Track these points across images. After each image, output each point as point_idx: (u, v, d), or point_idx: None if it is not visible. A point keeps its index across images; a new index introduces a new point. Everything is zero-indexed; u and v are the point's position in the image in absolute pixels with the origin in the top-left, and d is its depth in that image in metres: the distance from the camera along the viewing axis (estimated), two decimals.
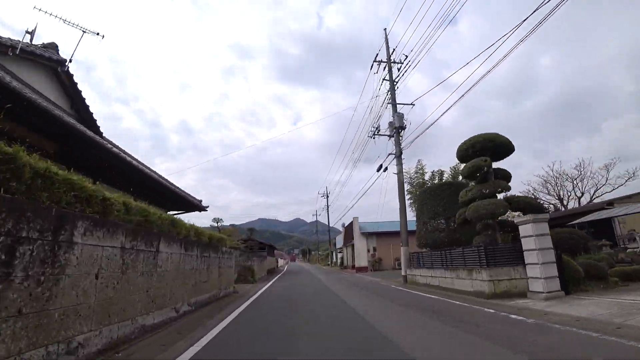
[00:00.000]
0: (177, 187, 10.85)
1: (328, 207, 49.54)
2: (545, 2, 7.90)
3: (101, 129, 10.06)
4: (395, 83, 17.83)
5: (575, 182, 29.83)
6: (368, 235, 29.02)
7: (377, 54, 18.87)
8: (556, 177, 30.72)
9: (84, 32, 10.62)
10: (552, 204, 31.00)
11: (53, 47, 9.44)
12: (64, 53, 9.47)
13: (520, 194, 19.11)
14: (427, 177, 38.86)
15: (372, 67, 19.27)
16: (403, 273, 14.37)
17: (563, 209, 29.41)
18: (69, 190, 3.49)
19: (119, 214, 4.59)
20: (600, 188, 29.14)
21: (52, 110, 5.63)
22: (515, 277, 8.38)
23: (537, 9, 8.23)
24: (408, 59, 16.54)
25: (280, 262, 61.18)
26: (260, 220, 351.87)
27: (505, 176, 10.49)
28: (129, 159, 8.68)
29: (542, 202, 28.84)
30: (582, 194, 29.81)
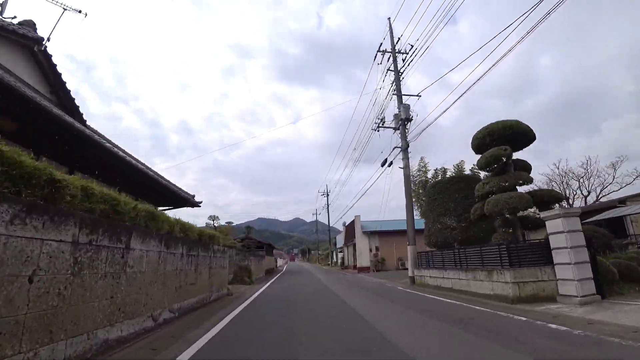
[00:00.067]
0: (164, 179, 9.89)
1: (328, 205, 48.58)
2: None
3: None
4: (400, 74, 16.92)
5: (581, 180, 28.98)
6: (370, 234, 28.06)
7: (381, 44, 17.96)
8: (562, 175, 29.86)
9: (65, 9, 9.69)
10: (559, 203, 30.11)
11: (30, 24, 8.48)
12: (45, 35, 8.51)
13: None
14: (429, 175, 37.91)
15: (375, 57, 18.35)
16: (410, 274, 13.42)
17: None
18: None
19: (75, 201, 3.64)
20: (606, 187, 28.32)
21: (4, 77, 4.68)
22: (542, 278, 7.45)
23: (539, 3, 7.40)
24: (414, 49, 15.62)
25: (280, 261, 60.24)
26: (260, 220, 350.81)
27: (525, 167, 9.56)
28: (108, 145, 7.71)
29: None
30: (589, 192, 28.94)
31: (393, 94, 16.86)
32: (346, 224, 36.14)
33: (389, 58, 17.67)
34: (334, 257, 50.26)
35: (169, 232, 6.24)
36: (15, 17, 8.38)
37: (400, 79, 16.86)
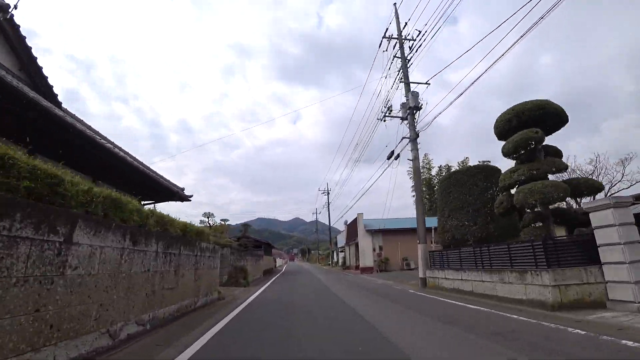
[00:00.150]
0: (147, 167, 8.72)
1: (329, 203, 47.36)
2: None
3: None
4: (407, 60, 15.76)
5: (589, 177, 27.91)
6: (373, 232, 26.85)
7: (387, 29, 16.80)
8: (570, 172, 28.77)
9: None
10: (565, 202, 29.05)
11: None
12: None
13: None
14: (434, 172, 36.45)
15: (380, 44, 17.18)
16: (421, 275, 12.24)
17: (576, 205, 27.43)
18: None
19: None
20: (615, 184, 27.27)
21: None
22: (588, 281, 6.29)
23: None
24: (421, 34, 14.43)
25: (279, 261, 59.01)
26: (260, 220, 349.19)
27: (557, 153, 8.41)
28: (79, 126, 6.49)
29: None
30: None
31: (400, 82, 15.70)
32: (348, 223, 34.93)
33: (394, 45, 16.53)
34: (335, 257, 49.02)
35: (141, 225, 5.08)
36: None
37: (408, 66, 15.73)
